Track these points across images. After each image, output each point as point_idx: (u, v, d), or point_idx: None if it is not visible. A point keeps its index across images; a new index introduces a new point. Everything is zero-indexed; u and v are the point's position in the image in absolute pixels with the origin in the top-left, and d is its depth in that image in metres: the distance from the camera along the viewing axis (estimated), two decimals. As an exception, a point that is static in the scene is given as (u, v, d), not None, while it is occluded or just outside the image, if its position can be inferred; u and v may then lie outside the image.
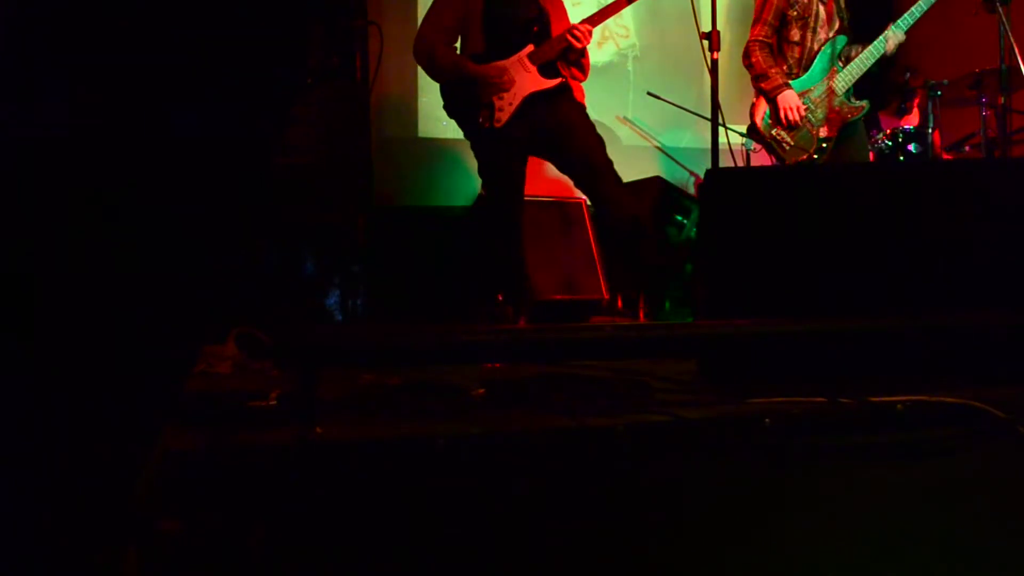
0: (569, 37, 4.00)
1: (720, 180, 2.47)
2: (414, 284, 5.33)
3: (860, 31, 4.22)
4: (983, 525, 1.87)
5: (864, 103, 4.21)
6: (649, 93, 5.77)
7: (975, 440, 1.89)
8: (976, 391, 1.96)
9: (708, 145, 4.04)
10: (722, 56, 3.97)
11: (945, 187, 2.39)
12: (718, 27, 3.90)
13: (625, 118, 6.13)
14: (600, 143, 4.06)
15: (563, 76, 4.08)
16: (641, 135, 6.38)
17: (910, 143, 5.49)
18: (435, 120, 6.04)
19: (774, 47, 4.26)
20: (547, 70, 4.07)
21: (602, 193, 4.03)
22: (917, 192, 2.37)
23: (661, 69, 5.90)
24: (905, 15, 4.10)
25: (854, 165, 4.16)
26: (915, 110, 5.88)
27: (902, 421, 1.89)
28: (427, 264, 5.48)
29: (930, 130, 5.44)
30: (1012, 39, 4.05)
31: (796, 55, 4.21)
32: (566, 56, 4.09)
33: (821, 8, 4.18)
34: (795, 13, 4.17)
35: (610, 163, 4.02)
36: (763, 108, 4.29)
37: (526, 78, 4.04)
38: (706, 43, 3.81)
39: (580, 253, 5.27)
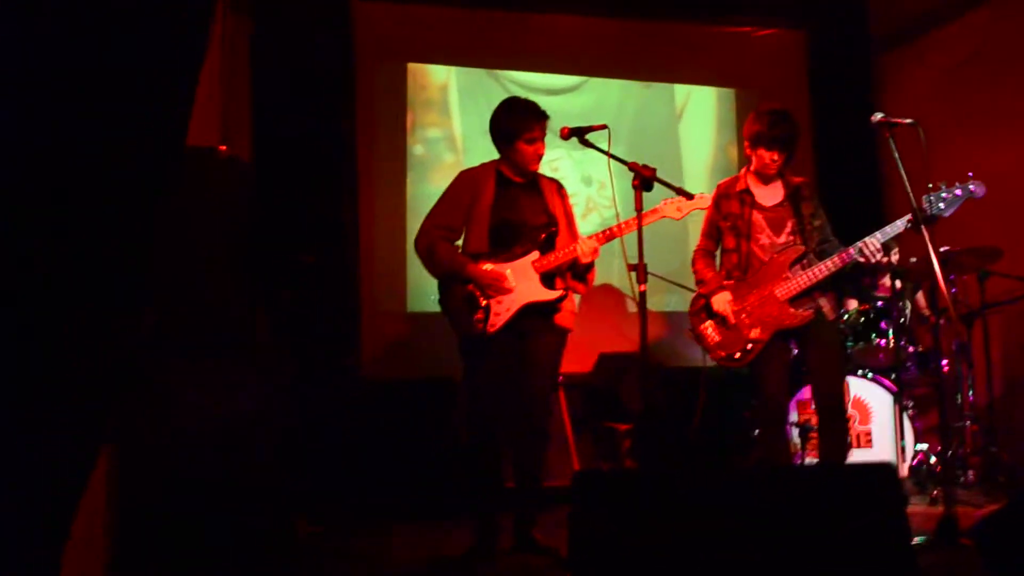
0: (576, 251, 3.92)
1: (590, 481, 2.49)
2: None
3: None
4: None
5: (809, 312, 4.10)
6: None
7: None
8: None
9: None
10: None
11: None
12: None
13: (611, 285, 6.29)
14: (551, 386, 4.12)
15: (563, 289, 3.98)
16: (631, 299, 6.48)
17: (882, 319, 5.44)
18: (423, 296, 6.15)
19: (714, 254, 4.41)
20: (549, 280, 3.95)
21: (524, 426, 3.99)
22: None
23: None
24: (884, 229, 3.97)
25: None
26: (885, 286, 5.72)
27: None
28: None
29: (905, 302, 5.41)
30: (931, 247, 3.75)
31: (733, 260, 4.27)
32: (572, 268, 4.00)
33: (759, 216, 4.23)
34: (728, 224, 4.27)
35: (547, 399, 4.07)
36: (698, 304, 4.35)
37: (527, 286, 3.90)
38: (633, 275, 3.63)
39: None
